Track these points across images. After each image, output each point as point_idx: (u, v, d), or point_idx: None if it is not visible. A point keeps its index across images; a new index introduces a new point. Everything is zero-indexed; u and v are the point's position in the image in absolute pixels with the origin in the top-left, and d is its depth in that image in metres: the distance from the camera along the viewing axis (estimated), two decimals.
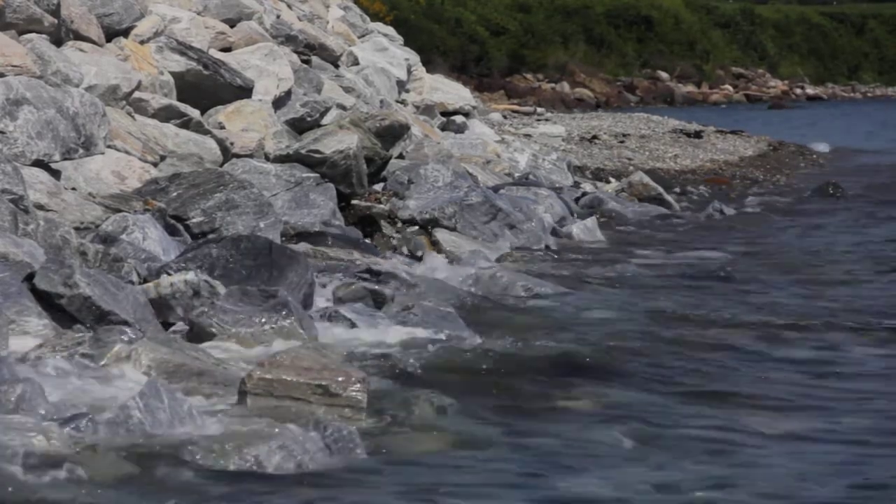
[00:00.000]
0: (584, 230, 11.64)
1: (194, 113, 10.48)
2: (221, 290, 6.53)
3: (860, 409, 6.16)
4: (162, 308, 6.45)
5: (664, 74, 49.69)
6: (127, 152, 9.26)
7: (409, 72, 15.77)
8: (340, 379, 5.42)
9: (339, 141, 10.60)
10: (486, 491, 4.83)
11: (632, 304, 8.68)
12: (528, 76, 44.58)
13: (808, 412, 6.04)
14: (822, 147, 23.68)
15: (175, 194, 8.65)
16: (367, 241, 9.91)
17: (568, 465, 5.17)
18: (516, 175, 13.97)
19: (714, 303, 8.81)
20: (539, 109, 30.45)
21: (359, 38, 15.67)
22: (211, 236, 8.10)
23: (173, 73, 10.86)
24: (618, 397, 6.20)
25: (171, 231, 8.13)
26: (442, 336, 6.99)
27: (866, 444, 5.55)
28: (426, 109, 15.49)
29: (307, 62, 13.24)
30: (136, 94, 10.11)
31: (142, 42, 10.98)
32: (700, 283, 9.57)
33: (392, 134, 11.75)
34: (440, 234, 10.48)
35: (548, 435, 5.53)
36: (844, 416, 6.01)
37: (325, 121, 11.91)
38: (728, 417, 5.90)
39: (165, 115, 10.28)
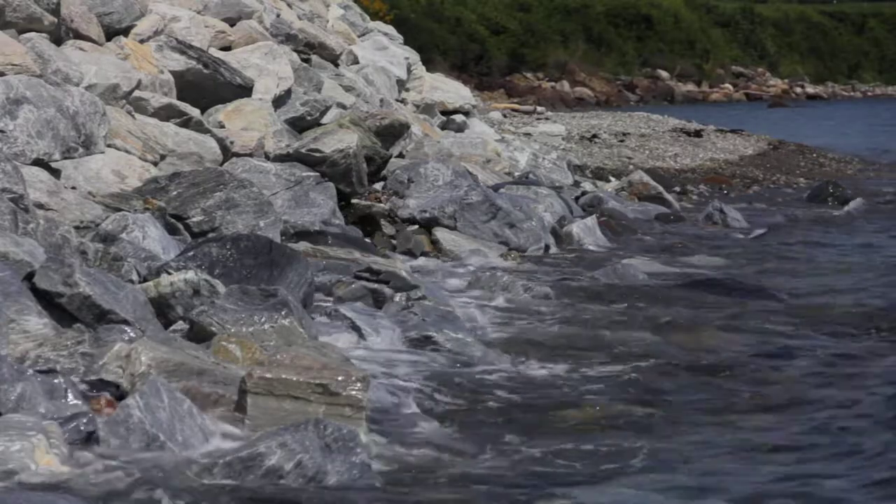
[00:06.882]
0: (584, 229, 11.63)
1: (194, 112, 10.48)
2: (221, 289, 6.52)
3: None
4: (162, 307, 6.44)
5: (664, 73, 49.70)
6: (127, 151, 9.26)
7: (409, 71, 15.77)
8: (340, 378, 5.42)
9: (339, 140, 10.59)
10: None
11: (630, 306, 8.68)
12: (528, 75, 44.58)
13: None
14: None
15: (175, 193, 8.65)
16: (367, 240, 9.91)
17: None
18: (516, 174, 13.96)
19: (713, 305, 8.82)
20: (539, 108, 30.44)
21: (359, 36, 15.67)
22: (211, 235, 8.09)
23: (173, 72, 10.85)
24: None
25: (171, 230, 8.13)
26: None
27: None
28: (426, 108, 15.49)
29: (307, 61, 13.24)
30: (136, 93, 10.11)
31: (142, 41, 10.98)
32: (699, 285, 9.56)
33: (392, 133, 11.75)
34: (440, 234, 10.48)
35: None
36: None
37: (325, 120, 11.91)
38: None
39: (165, 114, 10.28)
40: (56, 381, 5.24)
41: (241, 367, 5.69)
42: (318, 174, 10.28)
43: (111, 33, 10.80)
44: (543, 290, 8.78)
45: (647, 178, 15.12)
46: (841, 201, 15.42)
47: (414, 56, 16.31)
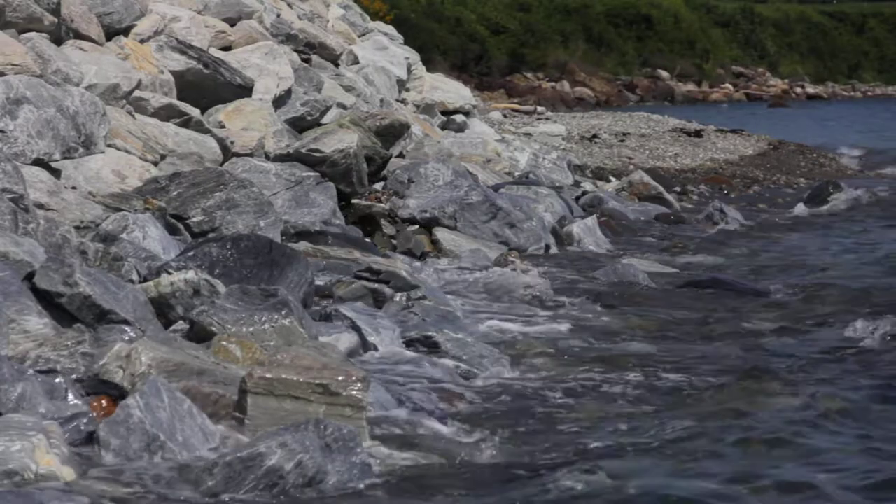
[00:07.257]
0: (585, 229, 11.63)
1: (194, 112, 10.48)
2: (221, 289, 6.52)
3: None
4: (162, 307, 6.44)
5: (664, 73, 49.69)
6: (127, 151, 9.26)
7: (410, 71, 15.77)
8: (340, 378, 5.42)
9: (339, 140, 10.59)
10: None
11: (629, 306, 8.68)
12: (529, 75, 44.58)
13: None
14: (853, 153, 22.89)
15: (175, 193, 8.65)
16: (368, 240, 9.91)
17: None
18: (516, 174, 13.96)
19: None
20: (539, 108, 30.43)
21: (359, 36, 15.67)
22: (211, 235, 8.09)
23: (173, 72, 10.85)
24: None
25: (172, 230, 8.13)
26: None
27: None
28: (426, 108, 15.49)
29: (307, 61, 13.24)
30: (137, 93, 10.11)
31: (142, 41, 10.98)
32: (700, 285, 9.56)
33: (392, 133, 11.75)
34: (440, 234, 10.48)
35: None
36: None
37: (325, 120, 11.91)
38: None
39: (166, 113, 10.28)
40: (56, 381, 5.25)
41: (242, 367, 5.69)
42: (318, 174, 10.28)
43: (111, 33, 10.79)
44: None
45: (647, 178, 15.12)
46: (835, 200, 15.42)
47: (414, 56, 16.31)
